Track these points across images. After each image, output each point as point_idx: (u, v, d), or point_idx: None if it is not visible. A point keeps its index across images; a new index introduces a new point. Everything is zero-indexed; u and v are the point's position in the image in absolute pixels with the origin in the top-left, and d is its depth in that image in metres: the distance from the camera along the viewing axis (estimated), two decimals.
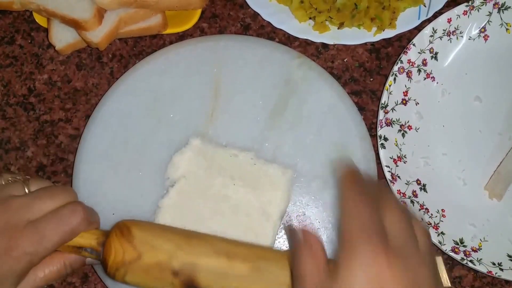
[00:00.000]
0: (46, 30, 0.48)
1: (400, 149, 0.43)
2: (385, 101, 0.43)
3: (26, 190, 0.35)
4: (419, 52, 0.44)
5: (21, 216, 0.33)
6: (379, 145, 0.42)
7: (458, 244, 0.42)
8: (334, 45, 0.46)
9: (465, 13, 0.44)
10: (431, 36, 0.44)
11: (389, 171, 0.42)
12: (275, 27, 0.46)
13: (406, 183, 0.42)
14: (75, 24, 0.44)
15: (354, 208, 0.27)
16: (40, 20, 0.47)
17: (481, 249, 0.41)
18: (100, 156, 0.43)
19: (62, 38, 0.46)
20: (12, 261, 0.32)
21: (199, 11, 0.46)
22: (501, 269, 0.40)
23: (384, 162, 0.42)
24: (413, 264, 0.26)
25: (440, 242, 0.41)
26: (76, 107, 0.48)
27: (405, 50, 0.44)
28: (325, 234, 0.42)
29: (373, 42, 0.46)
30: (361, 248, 0.25)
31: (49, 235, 0.33)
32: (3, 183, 0.36)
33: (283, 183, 0.41)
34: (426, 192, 0.43)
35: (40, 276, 0.34)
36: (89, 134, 0.44)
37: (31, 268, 0.33)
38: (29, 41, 0.49)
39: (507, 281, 0.42)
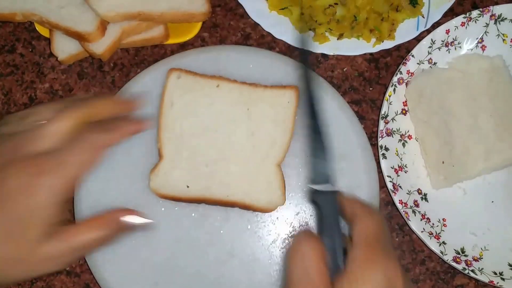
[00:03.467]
0: (47, 39, 0.48)
1: (401, 159, 0.43)
2: (385, 112, 0.44)
3: (37, 121, 0.33)
4: (418, 63, 0.44)
5: (38, 146, 0.32)
6: (380, 155, 0.43)
7: (459, 253, 0.42)
8: (333, 55, 0.47)
9: (462, 24, 0.45)
10: (430, 47, 0.45)
11: (390, 181, 0.42)
12: (276, 37, 0.46)
13: (407, 193, 0.43)
14: (78, 36, 0.44)
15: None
16: (42, 30, 0.47)
17: (482, 258, 0.42)
18: (102, 164, 0.43)
19: (65, 49, 0.46)
20: (43, 189, 0.30)
21: (200, 22, 0.47)
22: (503, 279, 0.41)
23: (385, 172, 0.42)
24: None
25: (442, 252, 0.41)
26: None
27: (404, 61, 0.44)
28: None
29: (372, 52, 0.47)
30: None
31: (76, 157, 0.32)
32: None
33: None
34: (427, 202, 0.43)
35: (77, 239, 0.32)
36: None
37: (70, 190, 0.32)
38: (30, 49, 0.49)
39: None
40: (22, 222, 0.30)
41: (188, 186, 0.41)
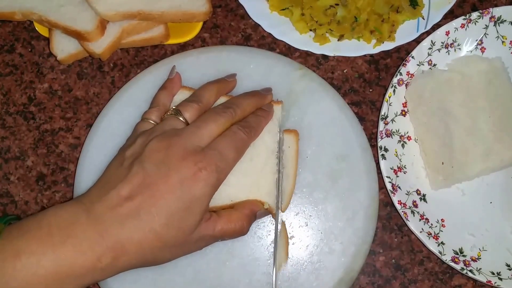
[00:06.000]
0: (46, 39, 0.48)
1: (400, 160, 0.44)
2: (385, 113, 0.44)
3: (183, 120, 0.38)
4: (417, 64, 0.45)
5: (194, 143, 0.36)
6: (379, 156, 0.43)
7: (457, 254, 0.42)
8: (334, 56, 0.47)
9: (462, 26, 0.45)
10: (430, 48, 0.45)
11: (389, 182, 0.43)
12: (276, 38, 0.46)
13: (406, 193, 0.43)
14: (77, 35, 0.44)
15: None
16: (41, 29, 0.47)
17: (480, 258, 0.42)
18: (101, 165, 0.43)
19: (64, 48, 0.46)
20: (202, 182, 0.35)
21: (201, 23, 0.47)
22: (500, 279, 0.41)
23: (385, 173, 0.43)
24: None
25: (440, 252, 0.42)
26: (76, 116, 0.48)
27: (404, 62, 0.44)
28: (327, 245, 0.42)
29: (372, 53, 0.47)
30: None
31: (227, 152, 0.36)
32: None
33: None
34: (426, 202, 0.43)
35: (218, 228, 0.37)
36: (91, 144, 0.44)
37: (218, 187, 0.36)
38: (29, 49, 0.49)
39: None
40: (182, 212, 0.34)
41: None
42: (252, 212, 0.39)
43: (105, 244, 0.33)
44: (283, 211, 0.42)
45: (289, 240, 0.42)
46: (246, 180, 0.39)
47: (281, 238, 0.42)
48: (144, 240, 0.34)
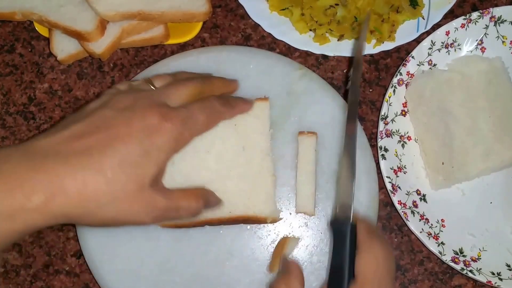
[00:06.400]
0: (46, 39, 0.48)
1: (400, 160, 0.44)
2: (385, 113, 0.44)
3: (153, 87, 0.36)
4: (417, 64, 0.45)
5: (163, 100, 0.34)
6: (379, 156, 0.43)
7: (458, 254, 0.42)
8: (334, 56, 0.47)
9: (462, 26, 0.45)
10: (430, 48, 0.45)
11: (389, 182, 0.43)
12: (276, 38, 0.46)
13: (406, 194, 0.43)
14: (77, 35, 0.44)
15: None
16: (41, 29, 0.47)
17: (480, 258, 0.42)
18: None
19: (64, 48, 0.46)
20: (165, 133, 0.32)
21: (200, 23, 0.47)
22: (500, 279, 0.41)
23: (384, 173, 0.43)
24: None
25: (440, 252, 0.42)
26: None
27: (404, 62, 0.44)
28: (327, 245, 0.42)
29: (372, 53, 0.47)
30: None
31: (197, 113, 0.35)
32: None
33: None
34: (426, 203, 0.43)
35: (174, 197, 0.34)
36: None
37: (183, 146, 0.34)
38: (29, 49, 0.49)
39: None
40: (139, 157, 0.31)
41: None
42: (206, 194, 0.37)
43: (39, 180, 0.28)
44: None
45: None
46: (243, 184, 0.39)
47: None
48: (89, 181, 0.29)
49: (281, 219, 0.42)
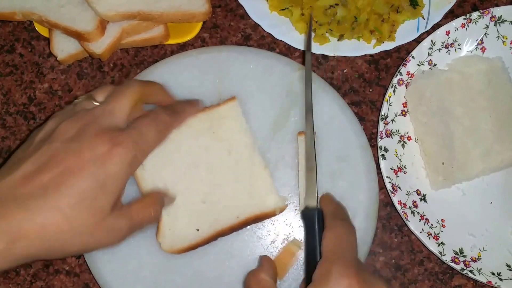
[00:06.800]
0: (46, 39, 0.48)
1: (400, 160, 0.44)
2: (385, 113, 0.44)
3: (95, 103, 0.36)
4: (418, 64, 0.45)
5: (108, 121, 0.34)
6: (379, 156, 0.43)
7: (458, 254, 0.42)
8: (334, 56, 0.47)
9: (463, 26, 0.45)
10: (430, 48, 0.45)
11: (389, 182, 0.43)
12: (276, 38, 0.46)
13: (406, 194, 0.43)
14: (77, 36, 0.44)
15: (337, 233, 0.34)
16: (41, 29, 0.47)
17: (480, 259, 0.42)
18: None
19: (64, 48, 0.46)
20: (117, 159, 0.32)
21: (200, 23, 0.47)
22: (501, 279, 0.41)
23: (385, 173, 0.43)
24: None
25: (440, 253, 0.42)
26: None
27: (404, 62, 0.44)
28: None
29: (372, 53, 0.47)
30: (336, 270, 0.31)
31: (146, 131, 0.35)
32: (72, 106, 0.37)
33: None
34: (426, 203, 0.43)
35: (134, 214, 0.35)
36: None
37: (137, 167, 0.34)
38: (30, 49, 0.49)
39: None
40: (95, 190, 0.31)
41: (198, 230, 0.40)
42: (160, 196, 0.38)
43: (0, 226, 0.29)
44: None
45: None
46: (241, 185, 0.39)
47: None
48: (49, 222, 0.30)
49: (287, 205, 0.42)
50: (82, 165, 0.31)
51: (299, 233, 0.42)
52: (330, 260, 0.32)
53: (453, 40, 0.45)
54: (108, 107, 0.34)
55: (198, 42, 0.48)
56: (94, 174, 0.31)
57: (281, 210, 0.41)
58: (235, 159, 0.40)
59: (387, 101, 0.44)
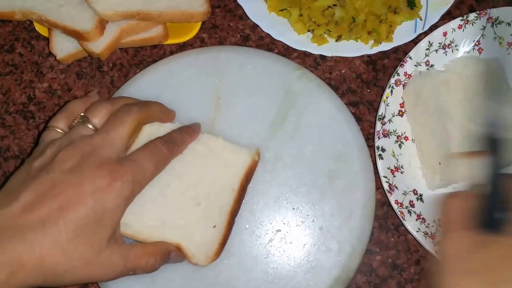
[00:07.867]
0: (46, 39, 0.48)
1: (397, 160, 0.44)
2: (382, 113, 0.44)
3: (91, 127, 0.36)
4: (415, 65, 0.45)
5: (108, 153, 0.34)
6: (377, 156, 0.43)
7: None
8: (332, 56, 0.47)
9: (460, 27, 0.45)
10: (427, 49, 0.45)
11: (386, 182, 0.43)
12: (275, 39, 0.47)
13: (403, 193, 0.43)
14: (76, 35, 0.44)
15: None
16: (41, 29, 0.47)
17: None
18: None
19: (63, 47, 0.46)
20: (116, 193, 0.32)
21: (199, 23, 0.47)
22: None
23: (382, 173, 0.43)
24: None
25: (437, 252, 0.42)
26: None
27: (401, 63, 0.45)
28: (324, 244, 0.42)
29: (370, 54, 0.47)
30: None
31: (145, 164, 0.35)
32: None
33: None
34: (423, 202, 0.44)
35: (131, 258, 0.34)
36: None
37: (133, 199, 0.34)
38: (29, 49, 0.49)
39: None
40: (93, 224, 0.32)
41: (214, 226, 0.39)
42: (167, 250, 0.37)
43: (1, 259, 0.30)
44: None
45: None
46: (215, 166, 0.39)
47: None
48: (47, 256, 0.31)
49: (258, 149, 0.42)
50: (81, 199, 0.32)
51: (296, 232, 0.43)
52: None
53: (450, 41, 0.45)
54: (107, 137, 0.34)
55: (197, 42, 0.48)
56: (93, 208, 0.32)
57: (258, 155, 0.41)
58: (199, 151, 0.40)
59: (384, 102, 0.44)
